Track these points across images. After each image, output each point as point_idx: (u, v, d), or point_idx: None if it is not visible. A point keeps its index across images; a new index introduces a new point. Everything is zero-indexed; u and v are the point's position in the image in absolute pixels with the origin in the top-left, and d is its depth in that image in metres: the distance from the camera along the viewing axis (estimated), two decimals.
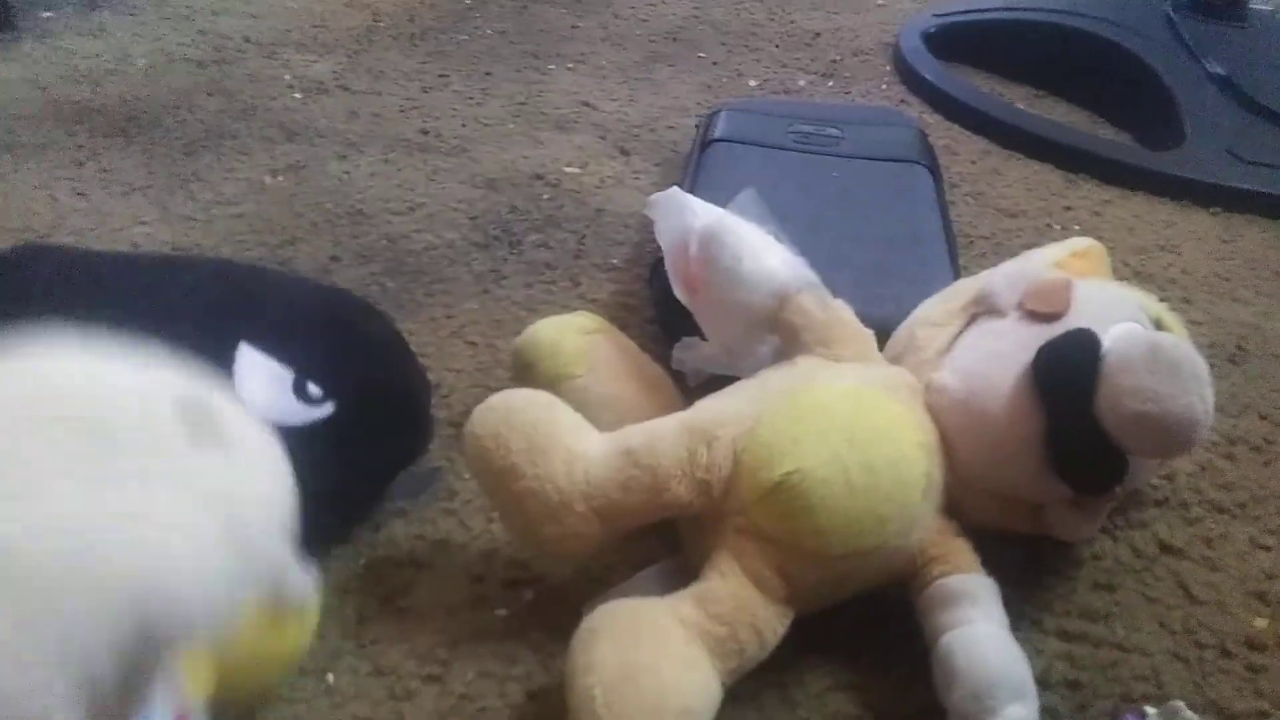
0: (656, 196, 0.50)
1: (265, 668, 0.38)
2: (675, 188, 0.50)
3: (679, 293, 0.49)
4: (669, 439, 0.41)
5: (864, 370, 0.44)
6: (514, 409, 0.41)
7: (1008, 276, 0.46)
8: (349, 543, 0.46)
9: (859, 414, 0.41)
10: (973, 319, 0.46)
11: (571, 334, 0.48)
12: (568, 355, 0.47)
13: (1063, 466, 0.40)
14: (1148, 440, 0.39)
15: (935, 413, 0.43)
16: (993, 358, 0.43)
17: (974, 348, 0.44)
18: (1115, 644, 0.43)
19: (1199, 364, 0.38)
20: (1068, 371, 0.40)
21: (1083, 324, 0.41)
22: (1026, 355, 0.41)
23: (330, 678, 0.41)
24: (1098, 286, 0.46)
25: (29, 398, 0.25)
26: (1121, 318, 0.42)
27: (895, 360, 0.47)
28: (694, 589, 0.39)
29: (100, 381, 0.27)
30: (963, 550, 0.42)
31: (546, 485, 0.40)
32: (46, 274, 0.43)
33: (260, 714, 0.39)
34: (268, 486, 0.28)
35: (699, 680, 0.36)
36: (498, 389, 0.55)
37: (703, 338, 0.49)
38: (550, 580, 0.45)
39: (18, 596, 0.22)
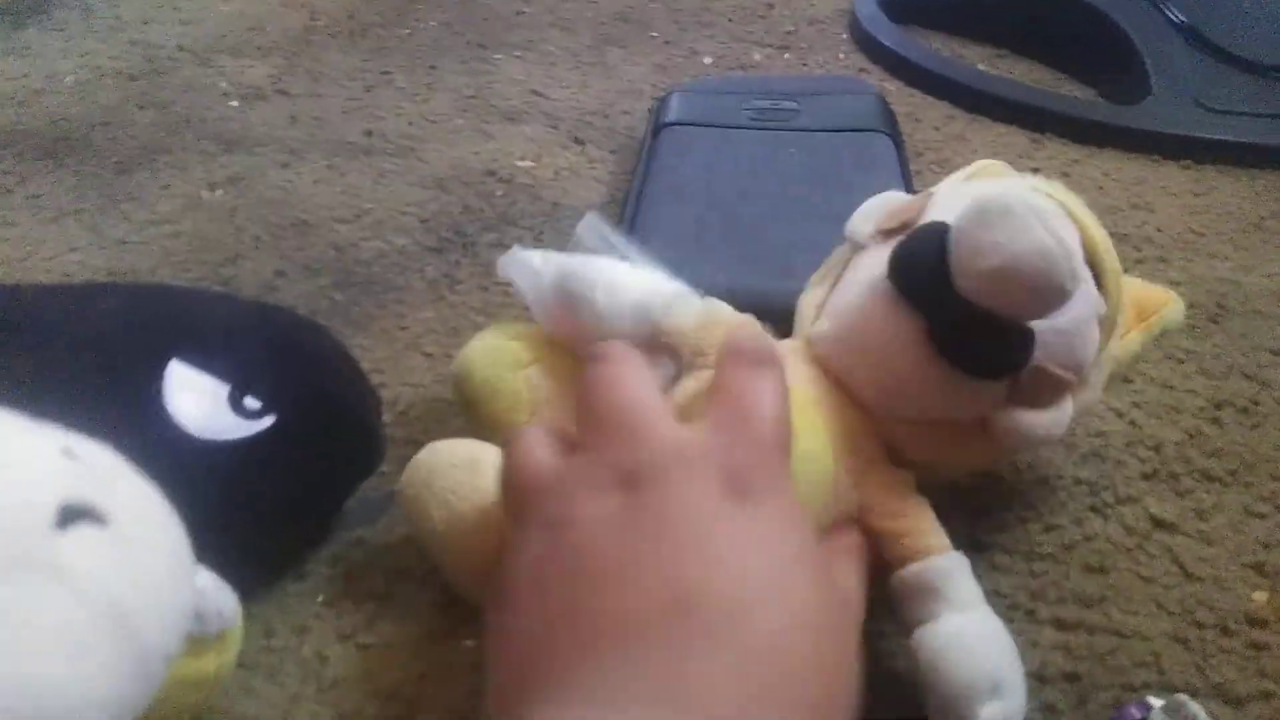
0: (502, 260, 0.46)
1: (180, 699, 0.35)
2: (515, 247, 0.46)
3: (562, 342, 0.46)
4: None
5: None
6: (435, 471, 0.40)
7: (864, 209, 0.44)
8: (304, 579, 0.44)
9: None
10: (845, 269, 0.43)
11: (505, 373, 0.45)
12: (506, 399, 0.44)
13: (955, 357, 0.37)
14: (1012, 292, 0.35)
15: (823, 363, 0.40)
16: (856, 287, 0.40)
17: (842, 288, 0.42)
18: (1112, 630, 0.42)
19: (1035, 202, 0.35)
20: (918, 263, 0.37)
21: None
22: (884, 270, 0.39)
23: None
24: (960, 186, 0.43)
25: None
26: None
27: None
28: None
29: None
30: (918, 516, 0.39)
31: (467, 558, 0.39)
32: None
33: None
34: (159, 572, 0.25)
35: None
36: (456, 403, 0.54)
37: None
38: None
39: None
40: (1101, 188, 0.72)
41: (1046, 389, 0.39)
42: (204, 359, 0.39)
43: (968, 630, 0.36)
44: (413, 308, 0.60)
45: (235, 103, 0.82)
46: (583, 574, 0.29)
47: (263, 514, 0.40)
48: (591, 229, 0.46)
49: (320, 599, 0.43)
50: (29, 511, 0.23)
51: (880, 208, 0.43)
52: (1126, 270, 0.45)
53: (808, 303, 0.44)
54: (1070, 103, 0.82)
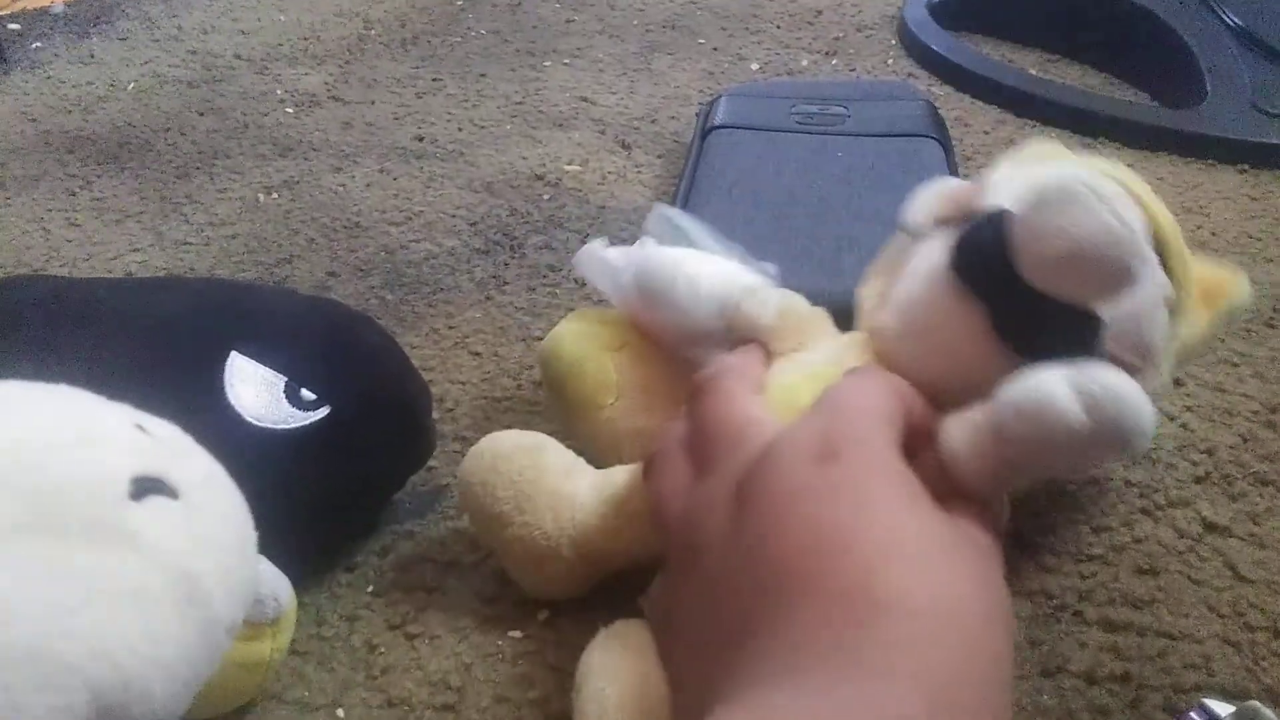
0: (577, 258, 0.48)
1: (237, 682, 0.37)
2: (590, 244, 0.48)
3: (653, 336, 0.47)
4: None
5: (812, 354, 0.41)
6: (500, 456, 0.41)
7: (920, 199, 0.42)
8: (354, 570, 0.45)
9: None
10: (904, 259, 0.42)
11: (595, 355, 0.46)
12: (593, 383, 0.45)
13: (1022, 345, 0.36)
14: (1078, 277, 0.34)
15: (886, 358, 0.39)
16: (917, 278, 0.39)
17: (903, 280, 0.41)
18: (1162, 632, 0.41)
19: (1097, 184, 0.34)
20: (981, 251, 0.36)
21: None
22: (946, 259, 0.38)
23: (340, 712, 0.39)
24: (1016, 170, 0.41)
25: None
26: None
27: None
28: None
29: (44, 437, 0.25)
30: None
31: (534, 532, 0.40)
32: (30, 299, 0.42)
33: None
34: (227, 545, 0.26)
35: None
36: (504, 400, 0.54)
37: None
38: (565, 600, 0.43)
39: None
40: (1156, 192, 0.71)
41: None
42: (262, 351, 0.40)
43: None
44: (461, 308, 0.61)
45: (290, 109, 0.84)
46: (713, 597, 0.31)
47: (316, 503, 0.41)
48: (662, 220, 0.47)
49: (370, 589, 0.44)
50: (106, 482, 0.24)
51: (936, 196, 0.42)
52: None
53: (867, 295, 0.43)
54: (1124, 106, 0.82)
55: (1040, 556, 0.44)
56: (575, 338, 0.47)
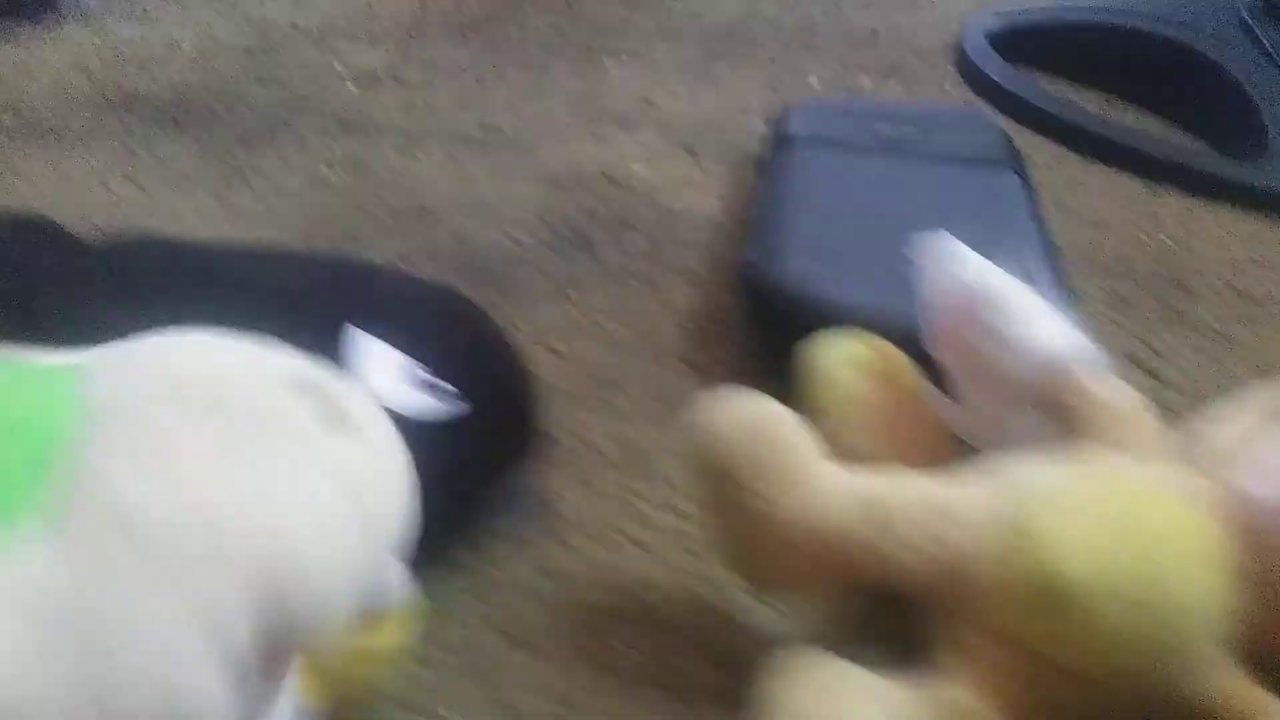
0: (926, 241, 0.44)
1: (359, 670, 0.35)
2: (944, 234, 0.43)
3: (934, 348, 0.43)
4: (914, 505, 0.36)
5: (1161, 469, 0.37)
6: (760, 416, 0.37)
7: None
8: (448, 565, 0.43)
9: (1157, 522, 0.34)
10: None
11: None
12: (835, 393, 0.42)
13: None
14: None
15: (1240, 528, 0.35)
16: None
17: None
18: None
19: None
20: None
21: None
22: None
23: (443, 711, 0.38)
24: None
25: (158, 376, 0.23)
26: None
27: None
28: (915, 682, 0.34)
29: (229, 364, 0.26)
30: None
31: (764, 506, 0.35)
32: (147, 261, 0.41)
33: None
34: (392, 473, 0.26)
35: None
36: (588, 399, 0.53)
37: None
38: (667, 608, 0.42)
39: (157, 568, 0.21)
40: (1221, 241, 0.72)
41: None
42: (385, 331, 0.39)
43: None
44: (536, 304, 0.60)
45: (351, 85, 0.82)
46: None
47: (427, 494, 0.40)
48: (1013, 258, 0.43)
49: (467, 588, 0.43)
50: (294, 410, 0.24)
51: None
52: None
53: (1210, 432, 0.39)
54: (1190, 154, 0.82)
55: None
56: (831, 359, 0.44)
